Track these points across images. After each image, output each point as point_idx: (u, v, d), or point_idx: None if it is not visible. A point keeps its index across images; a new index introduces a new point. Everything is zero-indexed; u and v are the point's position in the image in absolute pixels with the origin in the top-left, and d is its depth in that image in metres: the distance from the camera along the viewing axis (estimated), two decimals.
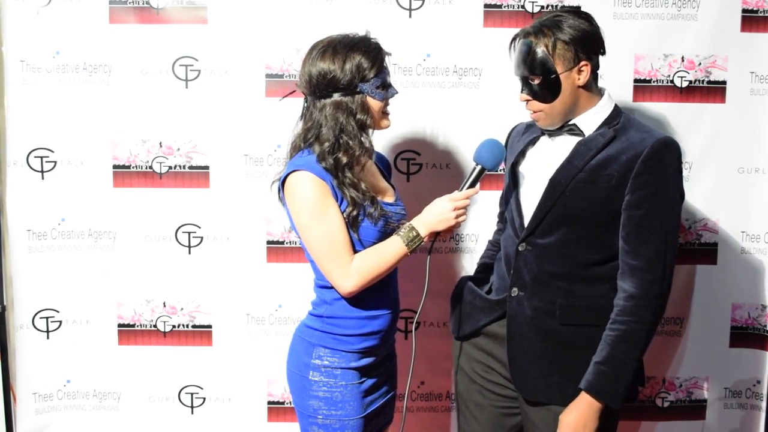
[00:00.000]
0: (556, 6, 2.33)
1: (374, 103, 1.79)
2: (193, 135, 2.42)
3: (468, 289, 2.01)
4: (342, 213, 1.76)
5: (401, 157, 2.42)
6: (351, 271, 1.76)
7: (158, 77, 2.39)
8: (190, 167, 2.44)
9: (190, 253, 2.47)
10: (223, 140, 2.42)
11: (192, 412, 2.55)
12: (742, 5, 2.36)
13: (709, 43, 2.37)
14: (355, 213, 1.76)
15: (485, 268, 2.10)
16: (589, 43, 1.76)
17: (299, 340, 1.90)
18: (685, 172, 2.34)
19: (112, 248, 2.46)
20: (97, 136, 2.41)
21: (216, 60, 2.38)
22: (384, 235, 1.82)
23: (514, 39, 1.84)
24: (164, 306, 2.50)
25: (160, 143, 2.43)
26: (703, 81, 2.39)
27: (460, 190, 1.80)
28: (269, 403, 2.53)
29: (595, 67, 1.80)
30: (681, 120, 2.38)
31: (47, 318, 2.49)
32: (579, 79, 1.77)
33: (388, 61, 1.83)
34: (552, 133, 1.86)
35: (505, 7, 2.36)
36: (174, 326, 2.51)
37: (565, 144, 1.83)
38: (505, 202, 1.98)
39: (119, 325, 2.51)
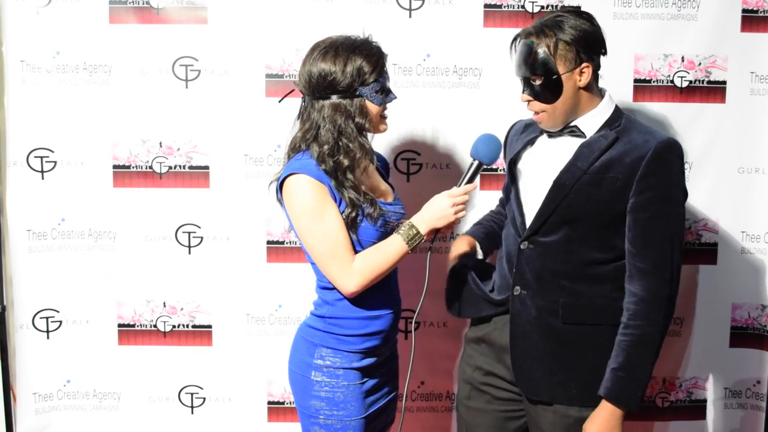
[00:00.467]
0: (556, 6, 2.33)
1: (372, 107, 1.79)
2: (193, 135, 2.42)
3: (471, 278, 1.99)
4: (341, 214, 1.77)
5: (401, 157, 2.42)
6: (353, 271, 1.76)
7: (158, 77, 2.39)
8: (190, 167, 2.44)
9: (190, 253, 2.47)
10: (223, 140, 2.42)
11: (192, 412, 2.55)
12: (742, 5, 2.36)
13: (709, 43, 2.37)
14: (354, 214, 1.76)
15: (481, 230, 2.12)
16: (590, 43, 1.76)
17: (301, 340, 1.90)
18: (685, 172, 2.35)
19: (112, 248, 2.46)
20: (97, 136, 2.41)
21: (216, 60, 2.38)
22: (383, 235, 1.82)
23: (515, 39, 1.83)
24: (164, 306, 2.50)
25: (160, 143, 2.43)
26: (703, 81, 2.39)
27: (458, 186, 1.80)
28: (269, 403, 2.53)
29: (596, 68, 1.79)
30: (681, 120, 2.38)
31: (47, 318, 2.49)
32: (580, 80, 1.76)
33: (388, 63, 1.83)
34: (552, 134, 1.86)
35: (505, 7, 2.36)
36: (174, 326, 2.51)
37: (566, 145, 1.83)
38: (506, 199, 1.97)
39: (119, 325, 2.51)
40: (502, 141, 1.95)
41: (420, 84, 2.38)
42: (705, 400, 2.56)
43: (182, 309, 2.50)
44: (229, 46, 2.38)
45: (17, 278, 2.46)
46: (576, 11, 1.81)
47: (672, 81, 2.39)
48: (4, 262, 2.43)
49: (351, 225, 1.77)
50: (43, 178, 2.43)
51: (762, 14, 2.37)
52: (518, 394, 1.91)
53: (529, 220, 1.84)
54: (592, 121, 1.81)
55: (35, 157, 2.42)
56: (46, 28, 2.35)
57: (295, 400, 1.92)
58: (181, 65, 2.39)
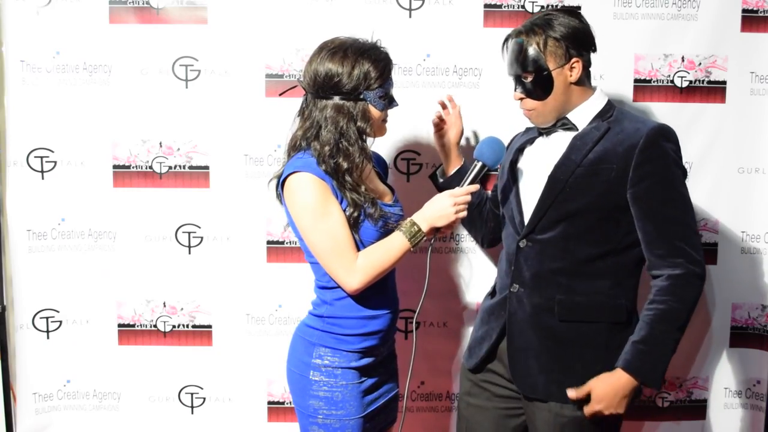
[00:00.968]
0: (556, 6, 2.33)
1: (375, 112, 1.80)
2: (193, 135, 2.42)
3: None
4: (343, 212, 1.77)
5: (401, 157, 2.42)
6: (356, 268, 1.76)
7: (158, 77, 2.39)
8: (190, 167, 2.44)
9: (190, 253, 2.47)
10: (223, 140, 2.42)
11: (192, 412, 2.55)
12: (742, 5, 2.36)
13: (709, 43, 2.37)
14: (356, 214, 1.77)
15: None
16: (579, 39, 1.78)
17: (300, 340, 1.90)
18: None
19: (112, 248, 2.46)
20: (97, 136, 2.41)
21: (216, 60, 2.38)
22: (383, 236, 1.82)
23: (506, 40, 1.85)
24: (164, 306, 2.50)
25: (160, 143, 2.43)
26: (703, 81, 2.39)
27: (461, 186, 1.81)
28: (269, 403, 2.53)
29: (586, 64, 1.82)
30: (681, 120, 2.38)
31: (47, 318, 2.49)
32: (571, 75, 1.79)
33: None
34: (547, 131, 1.88)
35: (505, 7, 2.36)
36: (174, 326, 2.51)
37: (561, 140, 1.84)
38: (503, 198, 1.98)
39: (119, 325, 2.51)
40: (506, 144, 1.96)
41: (420, 84, 2.38)
42: (705, 400, 2.56)
43: (182, 309, 2.50)
44: (229, 46, 2.38)
45: (17, 278, 2.46)
46: (565, 10, 1.84)
47: (672, 81, 2.39)
48: (4, 262, 2.43)
49: (353, 225, 1.78)
50: (43, 178, 2.43)
51: (762, 14, 2.37)
52: (517, 392, 1.91)
53: (527, 218, 1.85)
54: (583, 113, 1.83)
55: (35, 157, 2.42)
56: (46, 28, 2.35)
57: (293, 399, 1.92)
58: (181, 65, 2.39)
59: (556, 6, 2.33)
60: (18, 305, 2.47)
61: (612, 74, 2.35)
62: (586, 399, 1.77)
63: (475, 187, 1.82)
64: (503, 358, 1.91)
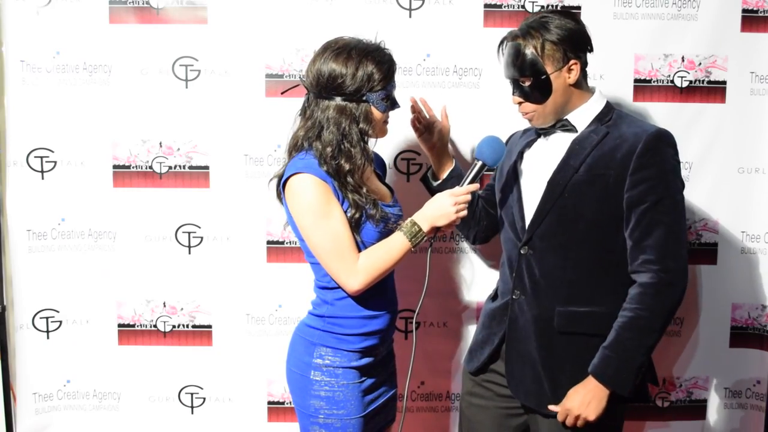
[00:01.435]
0: (556, 6, 2.33)
1: (377, 114, 1.80)
2: (193, 135, 2.42)
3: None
4: (344, 213, 1.77)
5: (401, 157, 2.42)
6: (358, 269, 1.76)
7: (158, 77, 2.39)
8: (190, 167, 2.44)
9: (190, 253, 2.47)
10: (223, 140, 2.42)
11: (192, 412, 2.55)
12: (742, 5, 2.35)
13: (709, 43, 2.37)
14: (357, 215, 1.77)
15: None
16: (576, 42, 1.78)
17: (300, 340, 1.90)
18: (685, 172, 2.35)
19: (112, 248, 2.46)
20: (97, 136, 2.41)
21: (216, 60, 2.38)
22: (383, 236, 1.82)
23: (502, 42, 1.85)
24: (164, 306, 2.50)
25: (160, 143, 2.43)
26: (703, 81, 2.39)
27: (461, 186, 1.81)
28: (269, 403, 2.53)
29: (584, 65, 1.81)
30: (681, 120, 2.38)
31: (47, 318, 2.49)
32: (569, 77, 1.78)
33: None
34: (546, 133, 1.87)
35: (505, 7, 2.36)
36: (174, 326, 2.51)
37: (560, 143, 1.84)
38: (502, 201, 1.97)
39: (119, 325, 2.50)
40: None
41: (420, 84, 2.38)
42: (705, 400, 2.56)
43: (182, 309, 2.50)
44: (229, 46, 2.38)
45: (17, 278, 2.46)
46: (560, 11, 1.83)
47: (672, 81, 2.39)
48: (4, 262, 2.43)
49: (354, 226, 1.78)
50: (43, 178, 2.43)
51: (762, 14, 2.37)
52: None
53: (528, 223, 1.85)
54: (583, 115, 1.82)
55: (35, 157, 2.42)
56: (46, 28, 2.35)
57: (293, 400, 1.92)
58: (181, 65, 2.39)
59: (556, 6, 2.33)
60: (18, 305, 2.47)
61: (612, 74, 2.35)
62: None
63: (476, 186, 1.82)
64: (505, 360, 1.92)
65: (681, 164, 1.81)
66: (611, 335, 1.73)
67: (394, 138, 2.36)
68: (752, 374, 2.52)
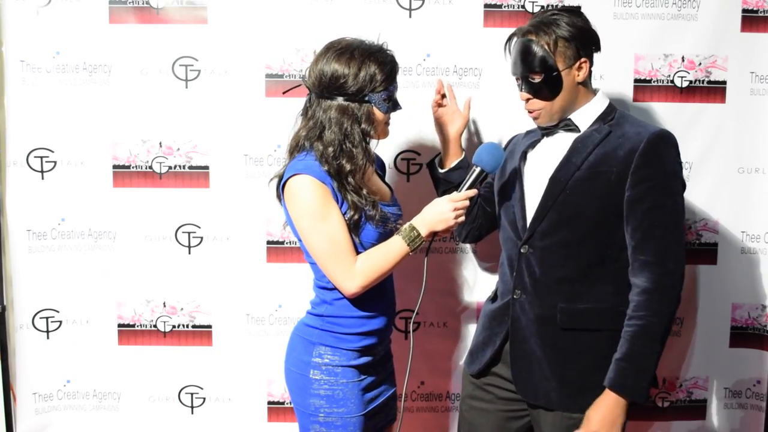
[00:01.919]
0: (556, 6, 2.33)
1: (378, 115, 1.80)
2: (193, 135, 2.42)
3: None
4: (343, 216, 1.77)
5: (401, 157, 2.42)
6: (355, 272, 1.76)
7: (158, 77, 2.39)
8: (190, 167, 2.44)
9: (190, 253, 2.47)
10: (223, 140, 2.42)
11: (192, 412, 2.55)
12: (742, 5, 2.35)
13: (709, 43, 2.37)
14: (356, 217, 1.77)
15: None
16: (586, 39, 1.79)
17: (299, 339, 1.91)
18: (685, 172, 2.34)
19: (112, 248, 2.46)
20: (97, 136, 2.41)
21: (216, 60, 2.38)
22: (383, 236, 1.82)
23: (509, 39, 1.85)
24: (164, 306, 2.50)
25: (160, 143, 2.43)
26: (703, 81, 2.39)
27: (459, 191, 1.81)
28: (269, 403, 2.53)
29: (591, 64, 1.81)
30: (681, 120, 2.38)
31: (47, 318, 2.49)
32: (579, 75, 1.78)
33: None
34: (549, 133, 1.87)
35: (505, 7, 2.36)
36: (174, 326, 2.51)
37: (562, 142, 1.84)
38: (502, 200, 1.97)
39: (119, 325, 2.50)
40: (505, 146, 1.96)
41: (420, 84, 2.38)
42: (705, 400, 2.56)
43: (182, 309, 2.50)
44: (229, 46, 2.38)
45: (17, 278, 2.46)
46: (568, 9, 1.83)
47: (672, 81, 2.39)
48: (4, 262, 2.43)
49: (353, 227, 1.78)
50: (43, 178, 2.43)
51: (762, 14, 2.36)
52: (519, 394, 1.91)
53: (529, 222, 1.85)
54: (586, 114, 1.83)
55: (35, 157, 2.42)
56: (46, 28, 2.35)
57: (292, 399, 1.92)
58: (181, 65, 2.39)
59: (556, 6, 2.33)
60: (18, 305, 2.47)
61: (612, 74, 2.35)
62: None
63: (474, 191, 1.82)
64: (507, 361, 1.91)
65: (682, 164, 1.81)
66: (623, 346, 1.73)
67: (395, 138, 2.36)
68: (752, 374, 2.52)
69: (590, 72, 1.83)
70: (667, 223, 1.72)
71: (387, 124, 1.86)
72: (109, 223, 2.45)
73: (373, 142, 1.88)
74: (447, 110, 2.16)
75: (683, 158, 1.83)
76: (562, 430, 1.82)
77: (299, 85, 1.91)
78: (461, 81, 2.38)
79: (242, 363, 2.51)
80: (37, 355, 2.49)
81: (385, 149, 2.34)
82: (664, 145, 1.74)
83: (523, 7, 2.36)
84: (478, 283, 2.46)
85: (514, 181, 1.92)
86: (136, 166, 2.44)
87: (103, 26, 2.36)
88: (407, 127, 2.37)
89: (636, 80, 2.39)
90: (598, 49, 1.83)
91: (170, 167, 2.44)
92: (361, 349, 1.86)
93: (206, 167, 2.44)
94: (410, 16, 2.36)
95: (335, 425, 1.84)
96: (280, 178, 1.83)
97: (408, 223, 1.80)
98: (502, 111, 2.31)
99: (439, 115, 2.17)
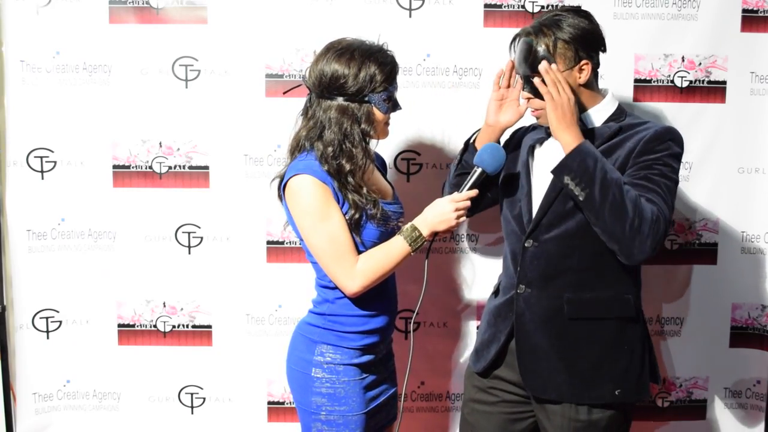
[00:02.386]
0: (557, 6, 2.33)
1: (378, 115, 1.80)
2: (193, 135, 2.42)
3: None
4: (344, 215, 1.77)
5: (401, 157, 2.42)
6: (356, 272, 1.77)
7: (158, 77, 2.39)
8: (190, 167, 2.44)
9: (190, 253, 2.47)
10: (223, 140, 2.42)
11: (192, 412, 2.55)
12: (742, 5, 2.35)
13: (709, 43, 2.37)
14: (357, 216, 1.77)
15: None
16: (589, 41, 1.77)
17: (300, 338, 1.91)
18: (685, 172, 2.35)
19: (112, 248, 2.46)
20: (97, 136, 2.41)
21: (216, 60, 2.38)
22: (385, 234, 1.83)
23: (514, 39, 1.84)
24: (164, 306, 2.50)
25: (160, 143, 2.43)
26: (703, 81, 2.39)
27: (460, 192, 1.81)
28: (269, 403, 2.53)
29: (595, 66, 1.81)
30: (681, 120, 2.38)
31: (47, 318, 2.49)
32: (580, 77, 1.78)
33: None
34: None
35: (505, 7, 2.36)
36: (174, 326, 2.51)
37: None
38: (506, 194, 1.96)
39: (119, 325, 2.50)
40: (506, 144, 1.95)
41: (420, 84, 2.38)
42: (705, 400, 2.56)
43: (182, 309, 2.50)
44: (229, 46, 2.38)
45: (17, 278, 2.46)
46: (574, 10, 1.82)
47: (672, 81, 2.39)
48: (4, 262, 2.43)
49: (354, 226, 1.78)
50: (43, 178, 2.43)
51: (762, 14, 2.37)
52: (525, 396, 1.91)
53: (535, 215, 1.85)
54: (596, 115, 1.83)
55: (35, 157, 2.42)
56: (46, 28, 2.35)
57: (294, 398, 1.92)
58: (181, 65, 2.39)
59: (557, 6, 2.33)
60: (18, 305, 2.47)
61: (612, 74, 2.34)
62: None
63: (475, 192, 1.82)
64: (511, 361, 1.91)
65: (681, 164, 1.81)
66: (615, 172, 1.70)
67: (395, 138, 2.36)
68: (752, 374, 2.53)
69: (595, 74, 1.82)
70: (659, 184, 1.71)
71: (387, 124, 1.87)
72: (109, 223, 2.45)
73: (373, 142, 1.89)
74: (507, 93, 1.98)
75: (683, 158, 1.83)
76: (571, 423, 1.82)
77: (299, 85, 1.91)
78: (461, 81, 2.38)
79: (242, 363, 2.51)
80: (37, 355, 2.49)
81: (385, 149, 2.34)
82: (670, 137, 1.76)
83: (523, 7, 2.36)
84: (479, 283, 2.46)
85: (521, 176, 1.92)
86: (136, 166, 2.44)
87: (103, 26, 2.36)
88: (407, 127, 2.37)
89: (636, 80, 2.39)
90: (603, 50, 1.82)
91: (170, 167, 2.44)
92: (362, 348, 1.86)
93: (206, 167, 2.44)
94: (410, 16, 2.36)
95: (337, 423, 1.84)
96: (282, 178, 1.83)
97: (409, 224, 1.81)
98: None
99: (499, 96, 1.97)
